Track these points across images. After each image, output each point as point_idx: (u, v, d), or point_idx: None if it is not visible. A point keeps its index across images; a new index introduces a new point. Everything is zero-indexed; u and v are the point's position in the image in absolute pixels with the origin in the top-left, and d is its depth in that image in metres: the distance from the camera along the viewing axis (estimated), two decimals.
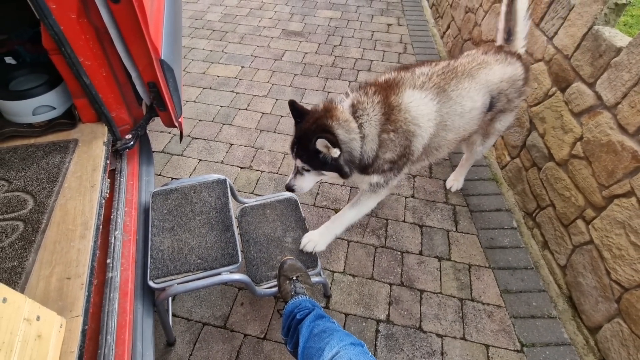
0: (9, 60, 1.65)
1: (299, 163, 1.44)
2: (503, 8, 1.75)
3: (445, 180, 2.33)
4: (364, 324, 1.68)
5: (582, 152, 1.66)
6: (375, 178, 1.54)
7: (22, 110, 1.48)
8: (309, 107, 1.46)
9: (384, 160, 1.46)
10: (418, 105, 1.43)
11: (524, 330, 1.67)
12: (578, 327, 1.66)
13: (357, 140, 1.38)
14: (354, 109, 1.41)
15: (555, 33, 1.90)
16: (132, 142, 1.60)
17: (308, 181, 1.51)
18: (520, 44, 1.77)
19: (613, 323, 1.47)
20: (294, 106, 1.43)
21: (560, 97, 1.84)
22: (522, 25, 1.75)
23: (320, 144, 1.29)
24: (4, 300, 0.77)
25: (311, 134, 1.32)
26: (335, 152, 1.33)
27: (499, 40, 1.80)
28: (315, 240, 1.60)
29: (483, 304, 1.76)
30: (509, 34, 1.76)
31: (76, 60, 1.32)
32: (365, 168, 1.47)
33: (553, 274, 1.86)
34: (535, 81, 2.04)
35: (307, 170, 1.46)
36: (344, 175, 1.43)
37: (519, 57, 1.70)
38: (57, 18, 1.20)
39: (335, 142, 1.29)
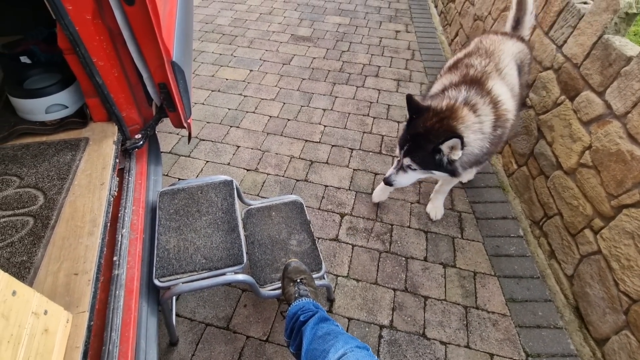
0: (24, 59, 1.68)
1: (408, 161, 1.46)
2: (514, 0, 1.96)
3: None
4: (367, 329, 1.67)
5: (591, 161, 1.65)
6: (468, 173, 1.71)
7: (36, 108, 1.51)
8: (425, 103, 1.50)
9: (489, 155, 1.55)
10: (504, 94, 1.51)
11: (530, 340, 1.64)
12: (585, 338, 1.64)
13: (480, 140, 1.43)
14: (473, 109, 1.43)
15: (565, 41, 1.90)
16: (141, 142, 1.62)
17: (410, 179, 1.56)
18: (525, 32, 1.99)
19: (621, 335, 1.44)
20: (411, 100, 1.44)
21: (569, 106, 1.83)
22: (529, 16, 1.98)
23: (449, 145, 1.31)
24: (14, 293, 0.78)
25: (436, 134, 1.33)
26: (457, 155, 1.35)
27: (508, 28, 2.02)
28: (436, 209, 2.00)
29: (488, 312, 1.74)
30: (517, 22, 1.98)
31: (90, 60, 1.34)
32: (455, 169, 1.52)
33: (560, 284, 1.83)
34: (544, 89, 2.04)
35: (413, 169, 1.48)
36: (455, 175, 1.48)
37: (522, 39, 1.89)
38: (72, 19, 1.23)
39: (463, 145, 1.32)
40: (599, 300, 1.57)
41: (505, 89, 1.57)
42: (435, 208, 2.04)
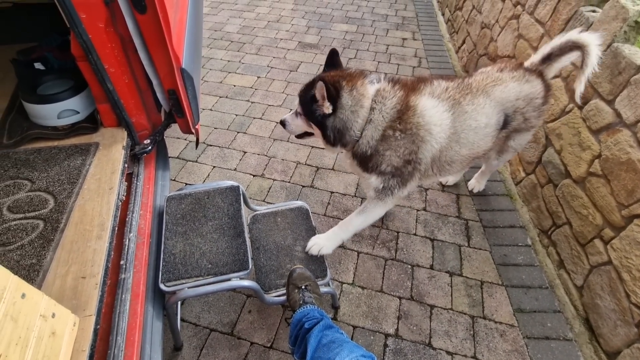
0: (38, 66, 1.72)
1: (297, 104, 1.50)
2: (560, 41, 1.59)
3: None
4: (372, 337, 1.65)
5: (601, 170, 1.63)
6: (374, 180, 1.52)
7: (48, 114, 1.54)
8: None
9: (384, 158, 1.45)
10: (433, 113, 1.43)
11: (538, 352, 1.61)
12: (595, 351, 1.60)
13: (359, 117, 1.39)
14: (376, 93, 1.42)
15: None
16: (150, 147, 1.65)
17: (297, 125, 1.56)
18: (552, 73, 1.69)
19: (633, 348, 1.41)
20: (332, 56, 1.49)
21: (577, 114, 1.81)
22: (566, 61, 1.66)
23: (318, 89, 1.31)
24: (23, 295, 0.79)
25: (319, 79, 1.34)
26: (328, 108, 1.35)
27: (535, 57, 1.68)
28: (320, 243, 1.58)
29: (495, 322, 1.71)
30: (549, 58, 1.64)
31: (101, 67, 1.37)
32: (363, 160, 1.48)
33: (569, 295, 1.80)
34: (552, 97, 2.02)
35: (300, 115, 1.50)
36: (325, 138, 1.45)
37: (539, 74, 1.62)
38: (86, 27, 1.26)
39: (331, 97, 1.32)
40: (610, 312, 1.53)
41: (437, 110, 1.43)
42: (323, 241, 1.60)
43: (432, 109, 1.43)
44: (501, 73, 1.60)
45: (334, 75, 1.43)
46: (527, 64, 1.68)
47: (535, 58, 1.68)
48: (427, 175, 1.61)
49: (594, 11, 1.84)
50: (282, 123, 1.62)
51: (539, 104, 1.63)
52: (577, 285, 1.75)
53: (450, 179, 2.31)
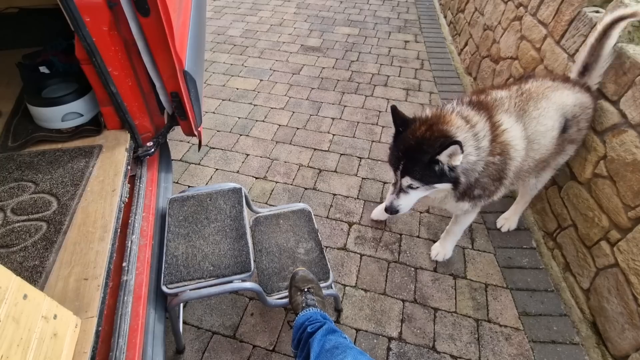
0: (43, 69, 1.74)
1: (407, 181, 1.31)
2: (591, 41, 1.57)
3: None
4: (375, 340, 1.63)
5: (606, 171, 1.61)
6: (465, 205, 1.51)
7: (53, 117, 1.55)
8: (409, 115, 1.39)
9: (479, 184, 1.40)
10: (513, 128, 1.40)
11: (544, 356, 1.59)
12: (603, 355, 1.57)
13: (475, 148, 1.32)
14: (465, 119, 1.34)
15: (577, 50, 1.88)
16: (152, 150, 1.65)
17: (413, 199, 1.39)
18: (594, 81, 1.65)
19: None
20: (396, 112, 1.34)
21: None
22: (604, 62, 1.59)
23: (448, 152, 1.19)
24: (25, 296, 0.79)
25: (429, 142, 1.22)
26: (459, 160, 1.23)
27: (573, 73, 1.68)
28: (440, 250, 1.86)
29: (500, 325, 1.69)
30: (586, 69, 1.62)
31: (105, 70, 1.38)
32: (464, 192, 1.42)
33: (575, 298, 1.77)
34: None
35: (415, 188, 1.33)
36: (457, 186, 1.34)
37: (587, 88, 1.61)
38: (90, 30, 1.27)
39: (462, 149, 1.20)
40: (618, 316, 1.51)
41: (515, 124, 1.42)
42: (443, 249, 1.88)
43: (510, 124, 1.40)
44: (553, 82, 1.58)
45: (430, 128, 1.29)
46: (571, 75, 1.68)
47: (574, 73, 1.67)
48: (510, 185, 1.57)
49: (597, 12, 1.83)
50: (395, 211, 1.41)
51: (589, 115, 1.61)
52: (584, 288, 1.72)
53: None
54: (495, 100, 1.47)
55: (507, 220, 2.07)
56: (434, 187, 1.35)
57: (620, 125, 1.56)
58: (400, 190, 1.38)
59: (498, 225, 2.08)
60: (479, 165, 1.35)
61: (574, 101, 1.53)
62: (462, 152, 1.21)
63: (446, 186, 1.35)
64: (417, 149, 1.26)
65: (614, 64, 1.61)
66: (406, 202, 1.40)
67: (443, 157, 1.22)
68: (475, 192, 1.44)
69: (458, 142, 1.17)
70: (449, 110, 1.38)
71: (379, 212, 2.10)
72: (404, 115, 1.36)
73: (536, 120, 1.46)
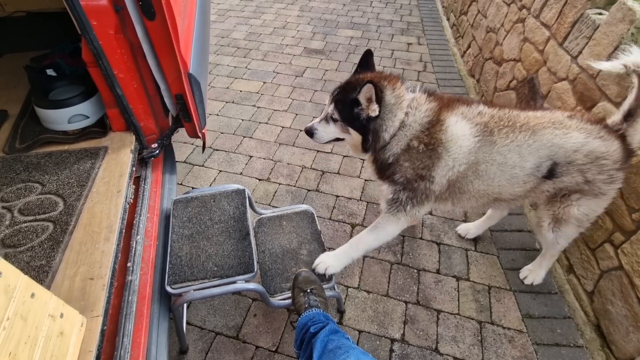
0: (50, 72, 1.77)
1: (331, 109, 1.40)
2: (636, 82, 1.34)
3: None
4: (377, 342, 1.63)
5: None
6: (385, 188, 1.49)
7: (59, 119, 1.57)
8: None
9: (400, 168, 1.41)
10: (456, 131, 1.35)
11: (548, 359, 1.58)
12: (607, 358, 1.56)
13: (397, 119, 1.35)
14: (411, 100, 1.38)
15: (580, 52, 1.88)
16: (157, 151, 1.67)
17: (330, 133, 1.47)
18: (637, 136, 1.38)
19: None
20: (367, 57, 1.42)
21: None
22: None
23: (366, 91, 1.25)
24: (32, 295, 0.81)
25: (362, 82, 1.28)
26: (374, 111, 1.30)
27: (617, 116, 1.42)
28: (328, 262, 1.52)
29: (503, 328, 1.68)
30: (630, 114, 1.37)
31: (111, 72, 1.40)
32: (382, 166, 1.45)
33: (579, 300, 1.77)
34: (559, 100, 2.01)
35: (335, 120, 1.41)
36: (365, 143, 1.38)
37: (621, 136, 1.37)
38: (97, 33, 1.29)
39: (380, 99, 1.27)
40: (622, 318, 1.50)
41: (463, 131, 1.34)
42: (533, 273, 1.82)
43: (457, 127, 1.35)
44: (569, 119, 1.37)
45: (374, 76, 1.37)
46: (609, 121, 1.43)
47: (617, 117, 1.41)
48: (441, 199, 1.50)
49: (600, 14, 1.83)
50: (309, 132, 1.49)
51: (609, 167, 1.35)
52: (588, 290, 1.72)
53: (471, 230, 2.01)
54: (462, 106, 1.40)
55: (531, 273, 1.84)
56: (348, 131, 1.41)
57: None
58: (324, 118, 1.45)
59: (521, 277, 1.87)
60: (397, 139, 1.37)
61: (576, 146, 1.32)
62: (378, 103, 1.27)
63: (356, 136, 1.40)
64: (351, 87, 1.34)
65: None
66: (322, 131, 1.47)
67: (362, 98, 1.28)
68: (396, 176, 1.42)
69: (374, 84, 1.23)
70: (402, 81, 1.41)
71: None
72: (371, 63, 1.44)
73: (495, 147, 1.34)
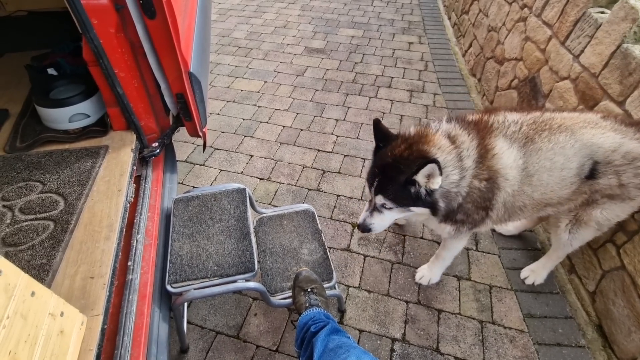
0: (51, 71, 1.77)
1: (381, 199, 1.24)
2: None
3: None
4: (378, 341, 1.63)
5: None
6: (448, 228, 1.40)
7: (60, 117, 1.58)
8: (393, 131, 1.29)
9: (463, 209, 1.30)
10: (507, 155, 1.26)
11: (549, 359, 1.57)
12: (609, 358, 1.56)
13: (458, 170, 1.22)
14: (451, 139, 1.25)
15: (582, 51, 1.87)
16: (158, 150, 1.67)
17: (387, 220, 1.33)
18: None
19: None
20: (378, 127, 1.26)
21: None
22: None
23: (426, 172, 1.11)
24: (33, 293, 0.81)
25: (407, 162, 1.15)
26: (437, 183, 1.15)
27: None
28: (426, 273, 1.79)
29: (505, 327, 1.68)
30: None
31: (112, 71, 1.40)
32: (447, 214, 1.32)
33: (581, 300, 1.76)
34: (561, 99, 2.00)
35: (389, 209, 1.26)
36: (436, 212, 1.25)
37: None
38: (97, 32, 1.29)
39: (441, 170, 1.12)
40: (624, 319, 1.49)
41: (510, 152, 1.27)
42: (430, 272, 1.79)
43: (505, 150, 1.26)
44: (603, 120, 1.34)
45: (409, 147, 1.21)
46: None
47: None
48: (499, 220, 1.43)
49: (602, 12, 1.82)
50: (366, 229, 1.34)
51: (635, 174, 1.30)
52: (589, 290, 1.71)
53: (530, 277, 1.85)
54: (497, 123, 1.32)
55: (533, 273, 1.83)
56: (410, 210, 1.27)
57: None
58: (374, 209, 1.30)
59: (522, 276, 1.85)
60: (462, 189, 1.25)
61: (614, 146, 1.27)
62: (441, 173, 1.14)
63: (424, 210, 1.26)
64: (394, 168, 1.19)
65: (619, 64, 1.61)
66: (379, 222, 1.33)
67: (420, 178, 1.15)
68: (457, 216, 1.34)
69: (435, 161, 1.09)
70: (433, 129, 1.28)
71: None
72: (387, 131, 1.28)
73: (542, 153, 1.28)
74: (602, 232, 1.51)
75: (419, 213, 1.29)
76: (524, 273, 1.87)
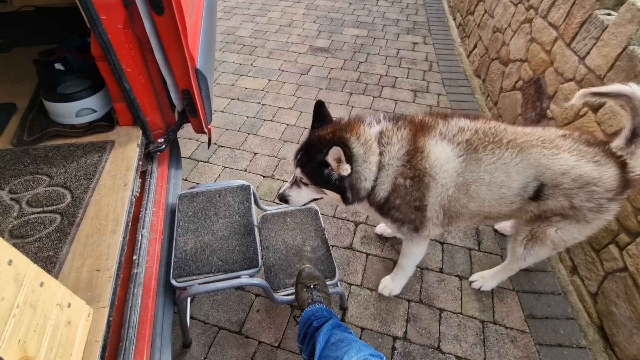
0: (58, 66, 1.78)
1: (299, 173, 1.30)
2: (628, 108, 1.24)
3: None
4: (380, 339, 1.64)
5: None
6: (390, 225, 1.44)
7: (67, 112, 1.59)
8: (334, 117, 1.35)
9: (394, 205, 1.32)
10: (439, 156, 1.24)
11: (550, 359, 1.58)
12: (610, 359, 1.56)
13: (373, 165, 1.24)
14: (380, 136, 1.27)
15: (588, 53, 1.87)
16: (163, 146, 1.68)
17: (304, 196, 1.38)
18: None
19: None
20: (320, 108, 1.32)
21: (592, 118, 1.79)
22: None
23: (333, 154, 1.16)
24: (41, 284, 0.82)
25: (324, 142, 1.20)
26: (346, 170, 1.20)
27: (620, 140, 1.28)
28: (388, 284, 1.77)
29: (506, 327, 1.68)
30: (634, 136, 1.24)
31: (119, 67, 1.41)
32: (378, 207, 1.36)
33: (583, 301, 1.76)
34: (565, 101, 2.00)
35: (306, 185, 1.32)
36: (345, 200, 1.30)
37: (622, 165, 1.24)
38: (106, 28, 1.30)
39: (349, 157, 1.17)
40: (626, 320, 1.50)
41: (445, 154, 1.24)
42: (391, 283, 1.77)
43: (438, 151, 1.25)
44: (562, 139, 1.27)
45: (333, 131, 1.26)
46: (613, 145, 1.29)
47: (621, 140, 1.28)
48: (440, 223, 1.39)
49: (608, 14, 1.82)
50: (283, 199, 1.40)
51: (600, 196, 1.24)
52: (591, 292, 1.71)
53: (478, 282, 1.83)
54: (438, 125, 1.29)
55: (482, 279, 1.82)
56: (324, 192, 1.31)
57: None
58: (294, 182, 1.36)
59: (470, 279, 1.85)
60: (381, 182, 1.27)
61: (564, 169, 1.22)
62: (349, 162, 1.18)
63: (334, 195, 1.30)
64: (315, 147, 1.24)
65: (625, 66, 1.60)
66: (296, 196, 1.38)
67: (331, 160, 1.18)
68: (392, 213, 1.35)
69: (339, 145, 1.13)
70: (363, 121, 1.30)
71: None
72: (327, 114, 1.33)
73: (482, 165, 1.24)
74: (557, 251, 1.46)
75: (332, 197, 1.32)
76: (472, 277, 1.85)
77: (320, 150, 1.19)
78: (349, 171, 1.21)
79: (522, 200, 1.30)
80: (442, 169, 1.24)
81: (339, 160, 1.18)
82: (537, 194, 1.27)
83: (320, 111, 1.33)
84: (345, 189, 1.26)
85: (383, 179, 1.27)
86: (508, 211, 1.35)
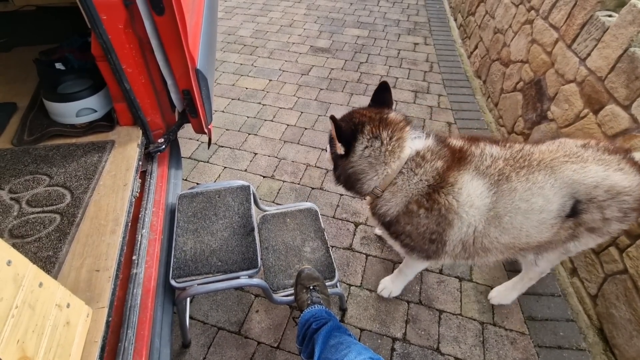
0: (58, 66, 1.78)
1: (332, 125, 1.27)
2: None
3: None
4: (379, 340, 1.64)
5: None
6: (398, 248, 1.41)
7: (67, 112, 1.59)
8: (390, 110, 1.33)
9: (404, 230, 1.27)
10: (470, 193, 1.17)
11: None
12: None
13: (377, 174, 1.20)
14: (414, 156, 1.20)
15: (589, 54, 1.86)
16: (163, 146, 1.68)
17: (328, 154, 1.44)
18: None
19: None
20: (382, 90, 1.31)
21: (592, 119, 1.79)
22: None
23: (331, 125, 1.18)
24: (40, 284, 0.82)
25: (347, 115, 1.26)
26: (340, 149, 1.22)
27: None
28: (388, 285, 1.76)
29: (506, 329, 1.68)
30: None
31: (120, 67, 1.41)
32: (384, 224, 1.33)
33: (582, 303, 1.76)
34: (566, 102, 2.00)
35: (328, 144, 1.38)
36: (334, 176, 1.36)
37: (635, 166, 1.21)
38: (106, 28, 1.30)
39: (344, 138, 1.18)
40: (626, 323, 1.49)
41: (476, 190, 1.17)
42: (391, 285, 1.76)
43: (473, 188, 1.17)
44: (584, 150, 1.23)
45: (364, 114, 1.24)
46: (637, 155, 1.25)
47: None
48: (459, 257, 1.33)
49: (610, 16, 1.82)
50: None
51: (628, 206, 1.19)
52: (591, 294, 1.71)
53: (496, 298, 1.77)
54: (474, 156, 1.22)
55: (500, 294, 1.75)
56: (329, 144, 1.38)
57: (631, 130, 1.54)
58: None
59: (489, 297, 1.79)
60: (390, 197, 1.23)
61: (596, 181, 1.16)
62: (343, 144, 1.21)
63: (328, 156, 1.39)
64: (348, 116, 1.30)
65: (626, 68, 1.60)
66: (327, 152, 1.44)
67: (333, 132, 1.24)
68: (403, 238, 1.30)
69: (338, 124, 1.18)
70: (407, 128, 1.23)
71: None
72: (386, 98, 1.33)
73: (517, 194, 1.16)
74: (567, 257, 1.47)
75: (327, 156, 1.41)
76: (491, 293, 1.78)
77: (350, 120, 1.24)
78: (342, 152, 1.24)
79: (561, 220, 1.22)
80: (472, 206, 1.17)
81: (333, 136, 1.23)
82: (574, 211, 1.21)
83: (380, 93, 1.33)
84: (337, 167, 1.32)
85: (390, 195, 1.22)
86: (549, 236, 1.26)
